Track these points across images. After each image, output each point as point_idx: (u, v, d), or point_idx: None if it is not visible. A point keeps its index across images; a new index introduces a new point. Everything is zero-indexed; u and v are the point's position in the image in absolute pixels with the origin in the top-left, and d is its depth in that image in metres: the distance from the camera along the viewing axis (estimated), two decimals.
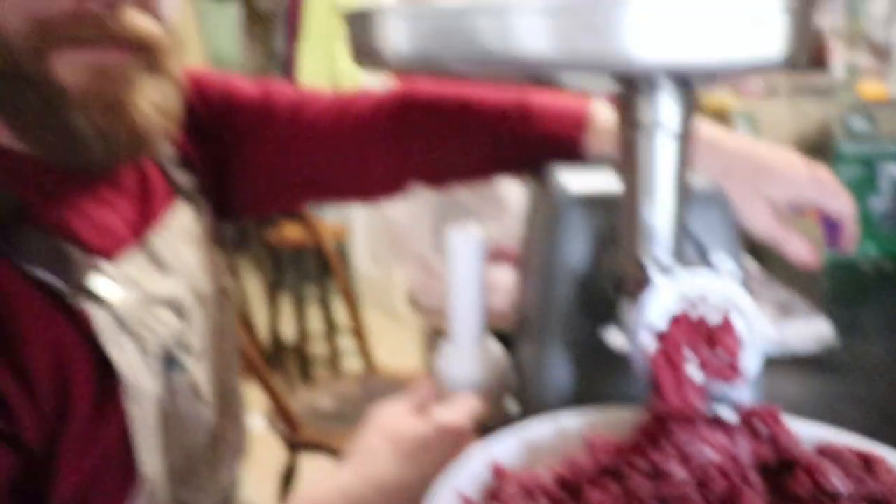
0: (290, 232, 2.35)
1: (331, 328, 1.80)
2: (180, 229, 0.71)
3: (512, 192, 1.03)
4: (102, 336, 0.57)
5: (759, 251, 1.24)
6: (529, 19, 0.36)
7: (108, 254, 0.61)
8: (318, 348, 2.69)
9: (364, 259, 3.78)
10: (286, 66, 3.79)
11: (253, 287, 1.60)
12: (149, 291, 0.63)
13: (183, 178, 0.74)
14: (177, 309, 0.66)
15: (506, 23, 0.37)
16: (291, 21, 3.69)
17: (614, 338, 0.45)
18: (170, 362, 0.64)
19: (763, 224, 0.67)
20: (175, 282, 0.67)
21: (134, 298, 0.61)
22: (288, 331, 2.20)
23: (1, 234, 0.54)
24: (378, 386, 1.68)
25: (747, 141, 0.70)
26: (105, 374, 0.58)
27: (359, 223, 3.62)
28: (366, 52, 0.40)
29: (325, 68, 3.47)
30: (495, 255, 1.03)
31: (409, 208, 0.97)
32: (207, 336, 0.71)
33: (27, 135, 0.58)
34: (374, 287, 3.66)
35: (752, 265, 0.93)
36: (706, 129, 0.69)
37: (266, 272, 1.70)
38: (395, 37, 0.38)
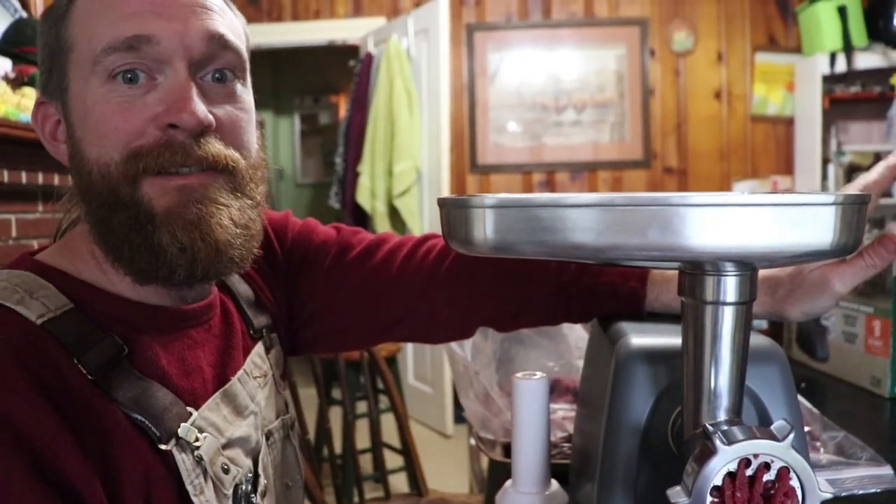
0: None
1: (380, 446, 1.81)
2: (254, 368, 0.74)
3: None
4: (185, 477, 0.61)
5: (819, 393, 1.23)
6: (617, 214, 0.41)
7: (196, 402, 0.65)
8: (364, 465, 2.67)
9: (409, 374, 3.79)
10: (343, 180, 3.93)
11: (304, 400, 1.63)
12: (227, 435, 0.67)
13: (258, 318, 0.78)
14: (247, 448, 0.70)
15: (593, 216, 0.42)
16: (353, 138, 3.83)
17: (678, 497, 0.47)
18: (241, 502, 0.67)
19: (840, 286, 0.64)
20: (248, 422, 0.70)
21: (214, 443, 0.64)
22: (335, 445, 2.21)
23: (103, 376, 0.59)
24: None
25: None
26: None
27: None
28: (460, 238, 0.45)
29: (382, 184, 3.58)
30: (552, 386, 1.05)
31: (472, 340, 1.01)
32: (272, 470, 0.74)
33: (119, 257, 0.62)
34: (417, 402, 3.65)
35: (812, 410, 0.93)
36: None
37: (319, 385, 1.73)
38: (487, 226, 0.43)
